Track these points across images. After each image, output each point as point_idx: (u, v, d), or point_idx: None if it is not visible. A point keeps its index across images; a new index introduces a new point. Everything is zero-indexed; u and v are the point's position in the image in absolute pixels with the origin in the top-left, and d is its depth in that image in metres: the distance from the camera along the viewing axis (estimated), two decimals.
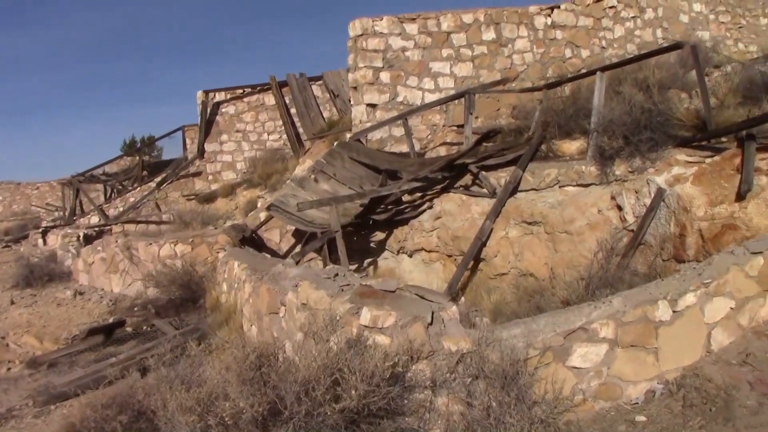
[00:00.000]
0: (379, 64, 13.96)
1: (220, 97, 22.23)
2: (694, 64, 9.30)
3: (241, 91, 22.52)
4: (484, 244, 10.45)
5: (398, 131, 14.01)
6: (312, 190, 12.12)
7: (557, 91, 13.07)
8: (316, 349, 5.02)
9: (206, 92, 21.92)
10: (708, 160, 8.60)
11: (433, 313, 5.39)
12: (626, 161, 9.56)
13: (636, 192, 9.09)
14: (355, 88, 14.11)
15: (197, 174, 22.25)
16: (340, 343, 5.56)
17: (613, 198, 9.46)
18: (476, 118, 14.51)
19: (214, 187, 21.84)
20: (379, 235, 12.48)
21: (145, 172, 26.69)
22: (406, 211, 11.98)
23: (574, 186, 10.15)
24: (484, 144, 12.38)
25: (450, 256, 11.35)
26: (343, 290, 6.76)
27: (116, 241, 14.47)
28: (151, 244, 13.27)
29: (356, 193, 11.40)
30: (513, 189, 10.58)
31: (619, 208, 9.33)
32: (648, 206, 8.73)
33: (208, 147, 22.21)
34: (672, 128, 9.46)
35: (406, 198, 12.40)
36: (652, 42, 16.90)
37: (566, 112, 11.73)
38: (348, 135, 14.33)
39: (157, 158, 35.89)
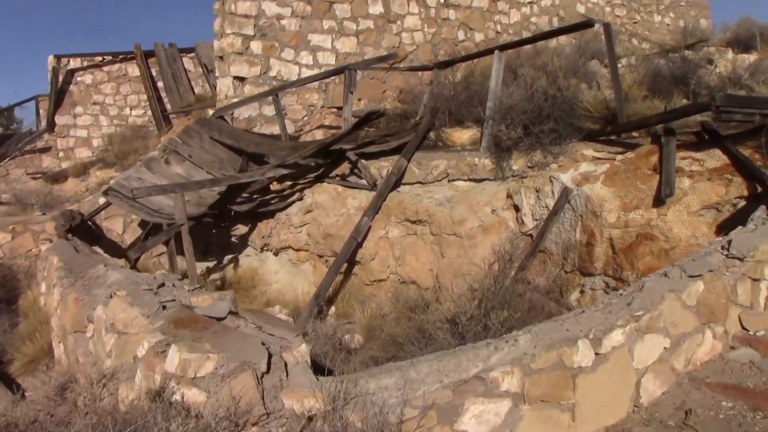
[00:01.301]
0: (250, 31, 12.13)
1: (75, 63, 19.60)
2: (606, 43, 8.10)
3: (100, 58, 19.94)
4: (360, 245, 8.92)
5: (270, 110, 12.22)
6: (161, 174, 10.21)
7: (448, 75, 11.75)
8: (79, 412, 3.32)
9: (58, 57, 19.25)
10: (619, 157, 7.41)
11: (270, 356, 3.77)
12: (525, 154, 8.29)
13: (536, 191, 7.81)
14: (221, 57, 12.23)
15: (46, 150, 19.55)
16: (140, 398, 3.89)
17: (509, 196, 8.15)
18: (359, 100, 13.01)
19: (64, 165, 19.22)
20: (242, 229, 10.73)
21: None
22: (273, 202, 10.28)
23: (465, 181, 8.79)
24: (366, 129, 10.85)
25: (321, 256, 9.76)
26: (165, 308, 5.07)
27: None
28: None
29: (209, 179, 9.59)
30: (396, 181, 9.11)
31: (517, 208, 8.03)
32: (551, 208, 7.45)
33: (60, 120, 19.55)
34: (578, 119, 8.26)
35: (274, 187, 10.70)
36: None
37: (458, 97, 10.45)
38: (212, 112, 12.46)
39: (18, 131, 32.38)
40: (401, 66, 13.18)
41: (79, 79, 19.68)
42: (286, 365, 3.82)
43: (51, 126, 19.49)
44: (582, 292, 7.09)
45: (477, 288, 7.32)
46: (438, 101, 10.56)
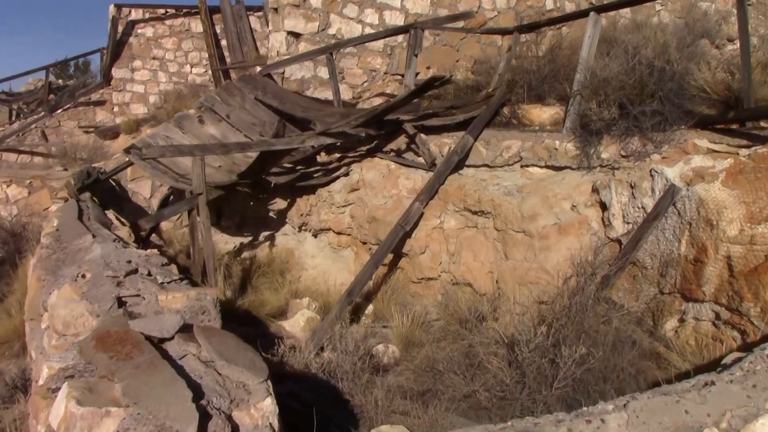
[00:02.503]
0: None
1: (136, 15, 18.62)
2: (738, 8, 6.37)
3: (163, 11, 18.90)
4: (408, 234, 7.49)
5: (326, 72, 10.83)
6: (193, 134, 8.98)
7: (531, 47, 10.18)
8: None
9: (119, 6, 18.28)
10: (744, 152, 5.74)
11: (207, 418, 2.38)
12: (619, 140, 6.70)
13: (631, 186, 6.22)
14: (275, 9, 10.86)
15: (100, 103, 18.72)
16: None
17: (595, 191, 6.58)
18: (428, 68, 11.54)
19: (118, 120, 18.37)
20: (280, 203, 9.43)
21: (52, 96, 23.06)
22: (315, 175, 8.93)
23: (541, 167, 7.26)
24: (429, 99, 9.37)
25: (365, 243, 8.37)
26: (123, 305, 3.80)
27: None
28: None
29: (235, 142, 8.30)
30: (458, 162, 7.64)
31: (603, 206, 6.45)
32: (650, 210, 5.86)
33: (117, 73, 18.66)
34: (689, 101, 6.60)
35: (322, 159, 9.36)
36: (651, 8, 14.01)
37: (541, 71, 8.87)
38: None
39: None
40: (477, 29, 11.56)
41: (139, 31, 18.73)
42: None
43: (107, 79, 18.65)
44: (682, 321, 5.50)
45: (546, 302, 5.84)
46: (516, 73, 9.02)
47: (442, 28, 10.98)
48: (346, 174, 8.68)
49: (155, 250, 5.29)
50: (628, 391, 4.42)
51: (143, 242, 7.97)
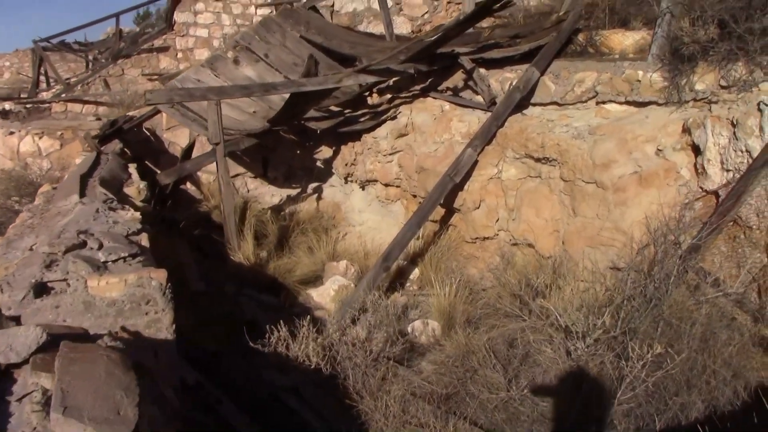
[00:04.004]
0: None
1: None
2: None
3: None
4: (459, 187, 6.40)
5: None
6: (227, 76, 8.09)
7: None
8: None
9: None
10: None
11: None
12: (718, 67, 5.35)
13: (733, 124, 4.91)
14: None
15: (164, 49, 18.13)
16: None
17: (686, 131, 5.29)
18: None
19: (182, 66, 17.70)
20: (326, 152, 8.47)
21: (124, 44, 22.71)
22: (360, 119, 7.89)
23: (621, 104, 5.98)
24: (495, 27, 8.11)
25: (415, 196, 7.33)
26: (43, 296, 2.98)
27: None
28: (12, 132, 9.41)
29: (259, 84, 7.31)
30: (521, 100, 6.44)
31: (697, 150, 5.17)
32: (757, 155, 4.57)
33: (179, 17, 17.92)
34: None
35: (373, 100, 8.30)
36: None
37: None
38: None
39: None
40: None
41: None
42: None
43: (170, 24, 17.99)
44: None
45: (621, 269, 4.69)
46: None
47: None
48: (393, 117, 7.60)
49: (137, 214, 4.42)
50: (721, 402, 3.29)
51: (164, 200, 7.21)
